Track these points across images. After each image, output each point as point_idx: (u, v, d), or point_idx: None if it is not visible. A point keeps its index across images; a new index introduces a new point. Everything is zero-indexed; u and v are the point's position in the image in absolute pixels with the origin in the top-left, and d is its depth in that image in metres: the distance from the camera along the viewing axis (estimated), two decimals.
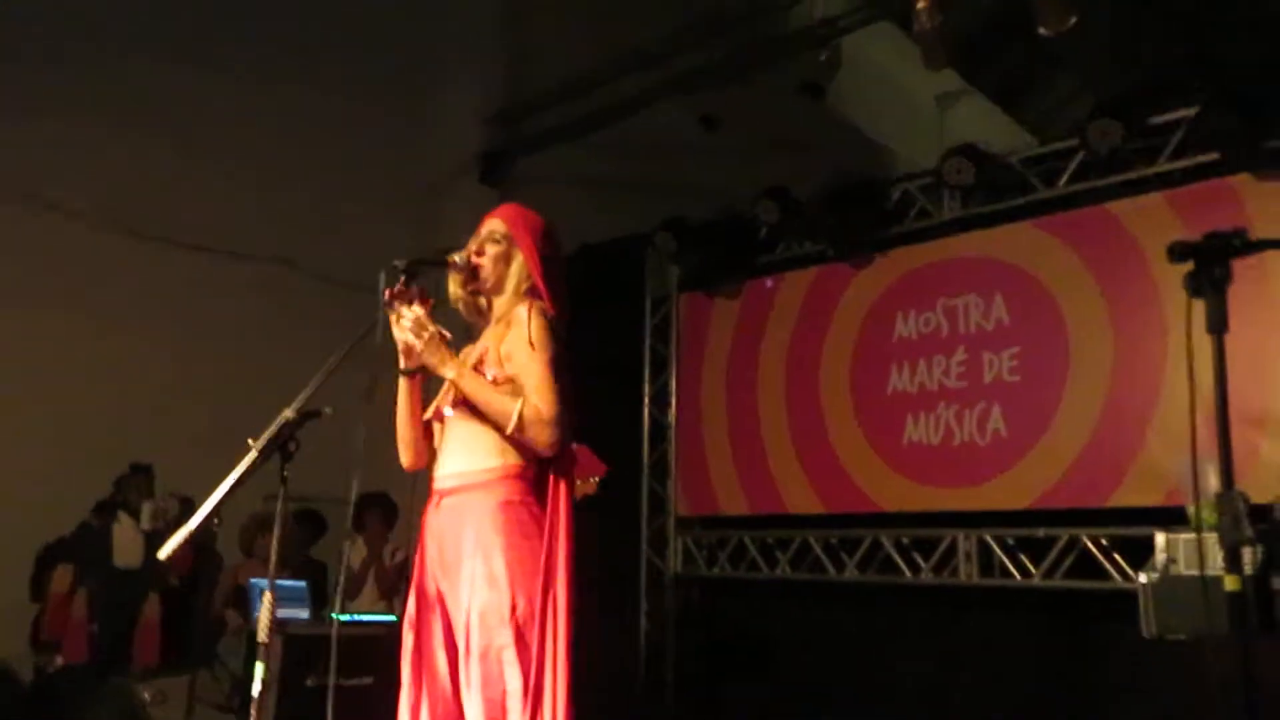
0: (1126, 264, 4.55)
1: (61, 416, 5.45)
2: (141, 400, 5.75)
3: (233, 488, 2.18)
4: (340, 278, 6.06)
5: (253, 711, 2.14)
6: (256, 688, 2.16)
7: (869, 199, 5.34)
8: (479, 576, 2.27)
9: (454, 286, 2.55)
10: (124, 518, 5.05)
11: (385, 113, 7.03)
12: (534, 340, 2.32)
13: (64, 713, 4.00)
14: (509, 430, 2.27)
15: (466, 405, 2.36)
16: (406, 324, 2.32)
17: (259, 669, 2.18)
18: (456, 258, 2.51)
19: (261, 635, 2.19)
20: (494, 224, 2.54)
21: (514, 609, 2.24)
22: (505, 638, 2.23)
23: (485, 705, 2.22)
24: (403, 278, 2.37)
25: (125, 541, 5.04)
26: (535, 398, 2.28)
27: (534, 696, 2.22)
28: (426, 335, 2.31)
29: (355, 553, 5.82)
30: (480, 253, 2.50)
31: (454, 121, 7.36)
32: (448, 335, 2.35)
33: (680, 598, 6.06)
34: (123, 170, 5.99)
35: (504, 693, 2.22)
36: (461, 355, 2.42)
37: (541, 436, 2.27)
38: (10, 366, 5.46)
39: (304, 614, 4.67)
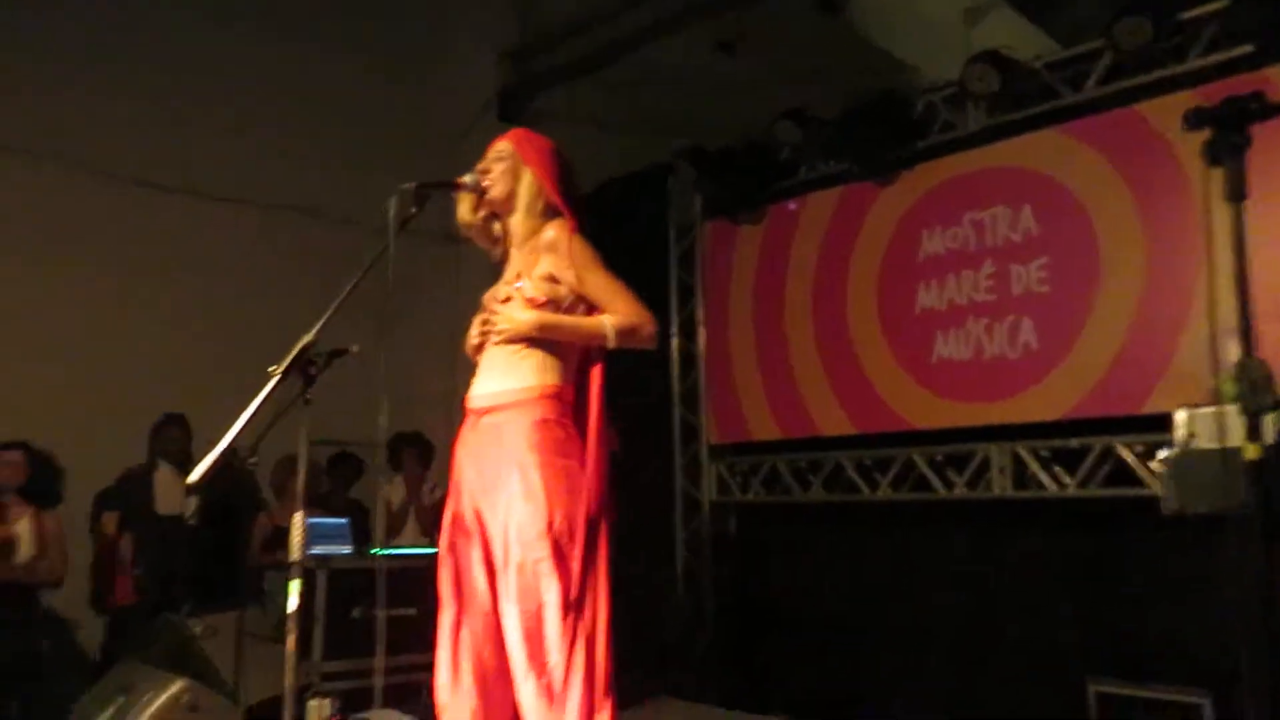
0: (1158, 166, 4.43)
1: (100, 368, 5.57)
2: (176, 351, 5.84)
3: (256, 411, 2.22)
4: (365, 223, 6.08)
5: (289, 623, 2.20)
6: (292, 603, 2.21)
7: (891, 114, 5.23)
8: (516, 492, 2.30)
9: (463, 210, 2.56)
10: (163, 465, 5.17)
11: (401, 56, 7.00)
12: (586, 258, 2.41)
13: (121, 648, 4.14)
14: (611, 345, 2.37)
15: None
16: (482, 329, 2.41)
17: (294, 585, 2.23)
18: (465, 179, 2.52)
19: (294, 554, 2.23)
20: (499, 145, 2.55)
21: (550, 524, 2.28)
22: (542, 551, 2.26)
23: (522, 616, 2.26)
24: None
25: (167, 489, 5.16)
26: (623, 307, 2.38)
27: (574, 610, 2.26)
28: (498, 319, 2.39)
29: (393, 491, 5.93)
30: (486, 171, 2.51)
31: (470, 61, 7.30)
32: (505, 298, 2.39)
33: (715, 524, 6.12)
34: (152, 128, 6.04)
35: (540, 604, 2.26)
36: (493, 290, 2.44)
37: (640, 339, 2.40)
38: (49, 321, 5.58)
39: (346, 549, 4.77)
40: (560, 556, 2.27)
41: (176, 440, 5.25)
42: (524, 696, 2.27)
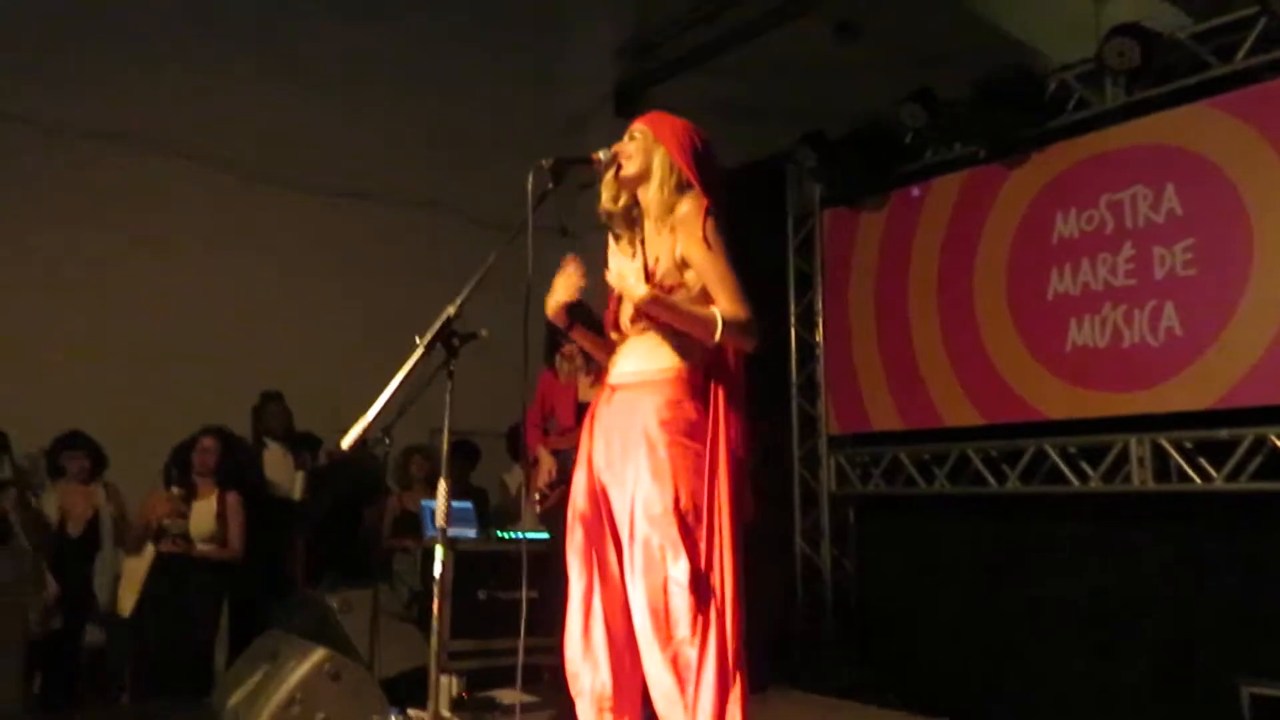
0: None
1: (225, 356, 5.83)
2: (300, 341, 6.07)
3: (402, 382, 2.27)
4: (487, 218, 6.22)
5: (436, 590, 2.25)
6: (437, 568, 2.26)
7: (1023, 93, 5.04)
8: (644, 468, 2.31)
9: (606, 198, 2.57)
10: (271, 444, 5.37)
11: (521, 51, 7.12)
12: (709, 239, 2.36)
13: (268, 619, 4.33)
14: (715, 339, 2.31)
15: (647, 319, 2.40)
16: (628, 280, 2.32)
17: (439, 552, 2.28)
18: (600, 154, 2.53)
19: (439, 520, 2.28)
20: (634, 126, 2.56)
21: (676, 501, 2.28)
22: (668, 527, 2.27)
23: (648, 591, 2.27)
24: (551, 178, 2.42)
25: (274, 466, 5.37)
26: (725, 301, 2.33)
27: (702, 587, 2.26)
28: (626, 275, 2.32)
29: (513, 479, 6.04)
30: (620, 151, 2.52)
31: (587, 55, 7.38)
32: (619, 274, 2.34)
33: (836, 517, 6.03)
34: (276, 123, 6.29)
35: (666, 578, 2.26)
36: (624, 268, 2.39)
37: (742, 334, 2.33)
38: (186, 310, 5.87)
39: (471, 532, 4.89)
40: (686, 534, 2.27)
41: (281, 418, 5.45)
42: (651, 670, 2.28)
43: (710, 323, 2.29)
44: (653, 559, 2.28)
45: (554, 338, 4.20)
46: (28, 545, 4.44)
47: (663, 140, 2.49)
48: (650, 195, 2.50)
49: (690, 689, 2.23)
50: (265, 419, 5.45)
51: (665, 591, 2.26)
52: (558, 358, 4.33)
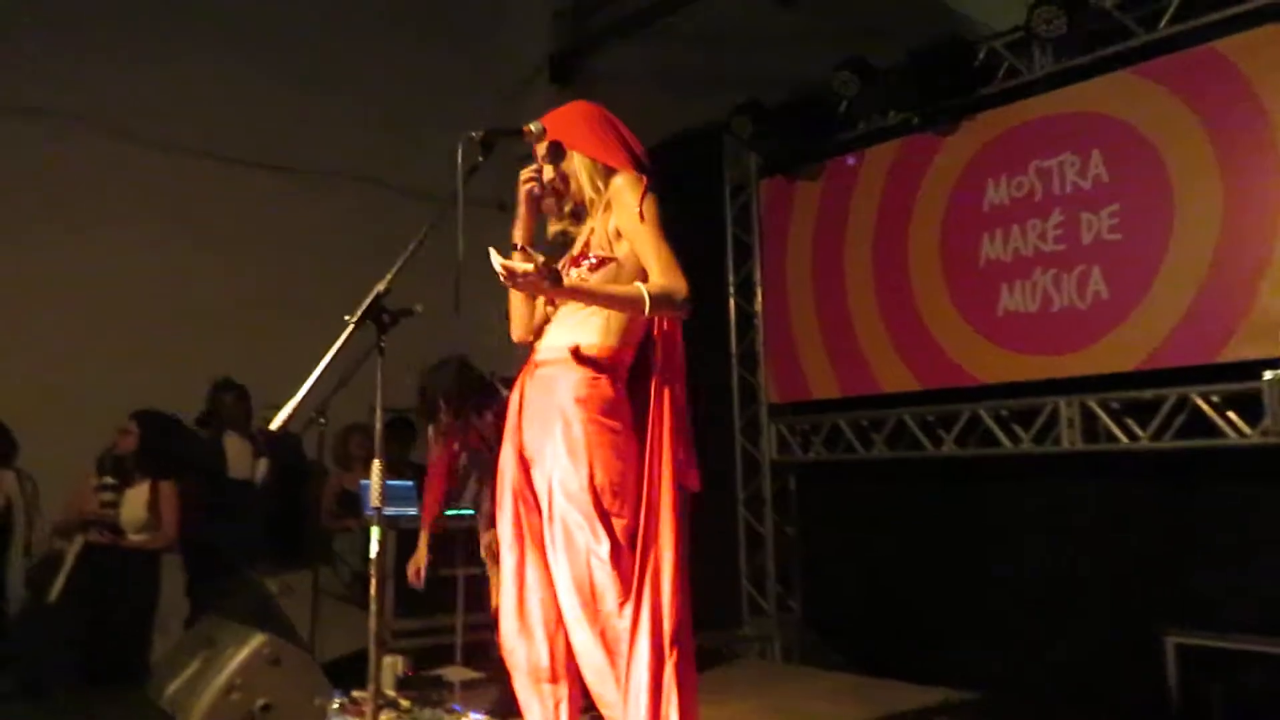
0: (1237, 106, 4.27)
1: (160, 333, 5.67)
2: (235, 318, 5.92)
3: (333, 360, 2.24)
4: (424, 190, 6.11)
5: (373, 571, 2.22)
6: (374, 549, 2.23)
7: (953, 61, 5.10)
8: (560, 445, 2.32)
9: (550, 226, 2.55)
10: (230, 432, 5.27)
11: (455, 20, 6.98)
12: (643, 213, 2.35)
13: (203, 605, 4.26)
14: (646, 313, 2.30)
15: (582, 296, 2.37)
16: (517, 279, 2.19)
17: (375, 533, 2.25)
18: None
19: (374, 500, 2.25)
20: (538, 148, 2.47)
21: (592, 478, 2.29)
22: (584, 504, 2.28)
23: (571, 566, 2.28)
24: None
25: (236, 454, 5.27)
26: (657, 273, 2.31)
27: (626, 561, 2.27)
28: (531, 278, 2.18)
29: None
30: (547, 177, 2.47)
31: (523, 23, 7.26)
32: (540, 262, 2.21)
33: (777, 485, 6.10)
34: (211, 99, 6.10)
35: (588, 554, 2.27)
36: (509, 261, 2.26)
37: (674, 306, 2.31)
38: (118, 289, 5.69)
39: (413, 510, 4.84)
40: (601, 510, 2.28)
41: (238, 406, 5.34)
42: (580, 645, 2.29)
43: (638, 300, 2.27)
44: (571, 536, 2.28)
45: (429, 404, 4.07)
46: None
47: (570, 145, 2.46)
48: (587, 195, 2.48)
49: (621, 661, 2.24)
50: (220, 408, 5.34)
51: (588, 566, 2.27)
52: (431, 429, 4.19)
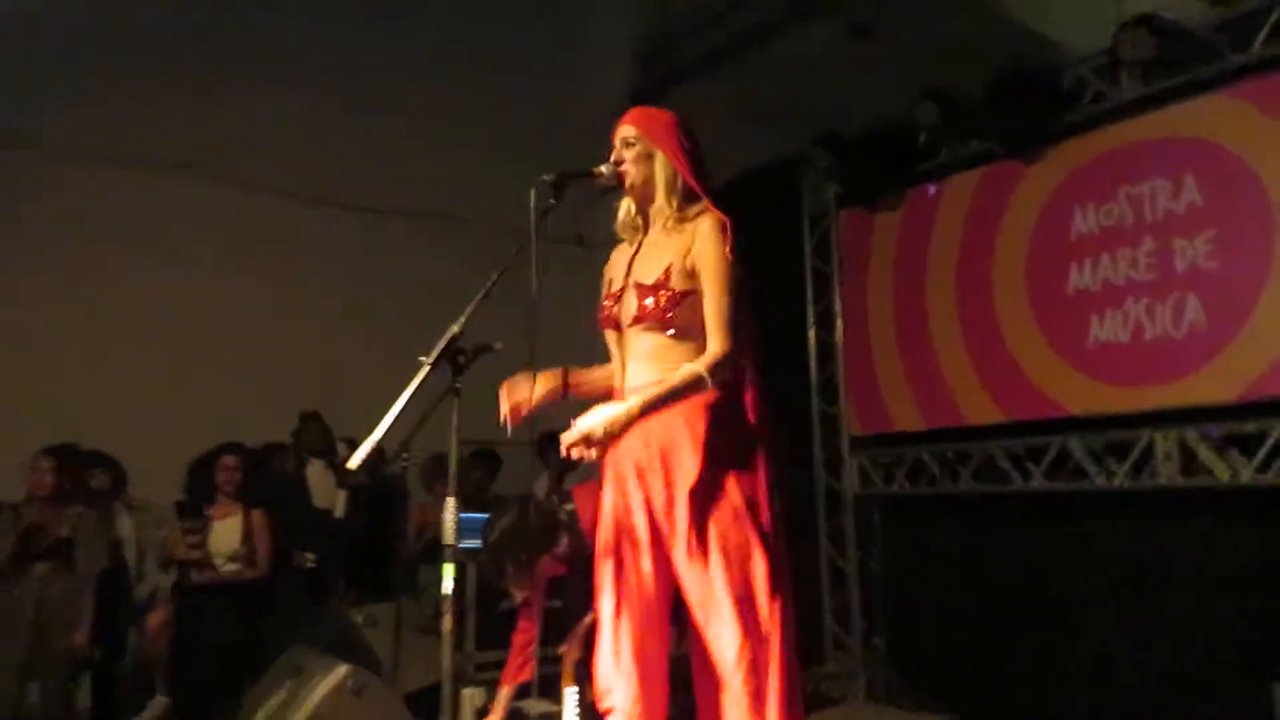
0: None
1: (245, 367, 5.90)
2: (323, 357, 6.11)
3: (407, 402, 2.29)
4: (507, 228, 6.22)
5: (445, 606, 2.25)
6: (448, 585, 2.27)
7: (1037, 88, 4.98)
8: (691, 463, 2.33)
9: (624, 214, 2.58)
10: (314, 462, 5.43)
11: (535, 58, 7.11)
12: (725, 264, 2.37)
13: (285, 631, 4.36)
14: (709, 389, 2.32)
15: (647, 320, 2.41)
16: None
17: (448, 569, 2.29)
18: (602, 169, 2.53)
19: (447, 538, 2.29)
20: (624, 130, 2.53)
21: (744, 495, 2.32)
22: (743, 521, 2.30)
23: (730, 583, 2.28)
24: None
25: (319, 484, 5.41)
26: (716, 337, 2.35)
27: (778, 580, 2.30)
28: (599, 441, 2.27)
29: (539, 486, 6.05)
30: (620, 160, 2.51)
31: (602, 60, 7.36)
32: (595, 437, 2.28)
33: (860, 519, 5.99)
34: (292, 140, 6.31)
35: (751, 573, 2.29)
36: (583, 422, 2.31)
37: (725, 372, 2.34)
38: (207, 328, 5.94)
39: None
40: (757, 528, 2.30)
41: (320, 437, 5.50)
42: (726, 636, 2.27)
43: (700, 383, 2.31)
44: (730, 555, 2.29)
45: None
46: (88, 569, 4.48)
47: (657, 144, 2.49)
48: (658, 204, 2.51)
49: (759, 686, 2.25)
50: (304, 439, 5.51)
51: (752, 586, 2.28)
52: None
